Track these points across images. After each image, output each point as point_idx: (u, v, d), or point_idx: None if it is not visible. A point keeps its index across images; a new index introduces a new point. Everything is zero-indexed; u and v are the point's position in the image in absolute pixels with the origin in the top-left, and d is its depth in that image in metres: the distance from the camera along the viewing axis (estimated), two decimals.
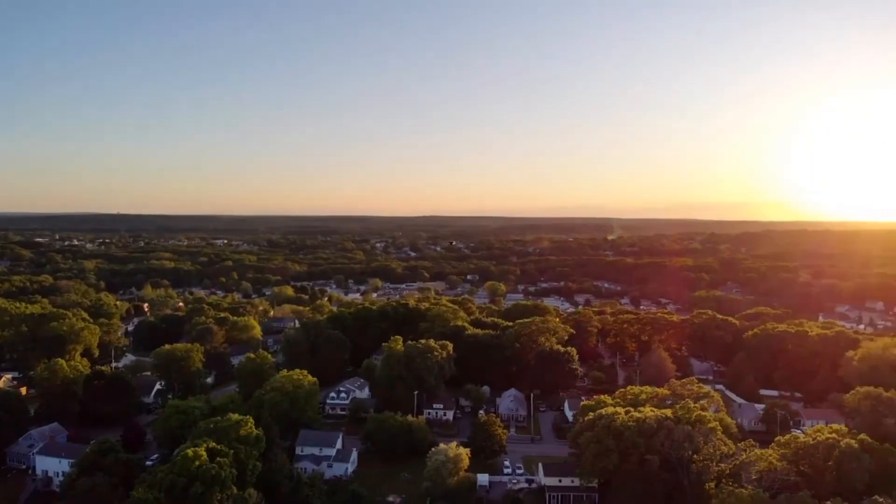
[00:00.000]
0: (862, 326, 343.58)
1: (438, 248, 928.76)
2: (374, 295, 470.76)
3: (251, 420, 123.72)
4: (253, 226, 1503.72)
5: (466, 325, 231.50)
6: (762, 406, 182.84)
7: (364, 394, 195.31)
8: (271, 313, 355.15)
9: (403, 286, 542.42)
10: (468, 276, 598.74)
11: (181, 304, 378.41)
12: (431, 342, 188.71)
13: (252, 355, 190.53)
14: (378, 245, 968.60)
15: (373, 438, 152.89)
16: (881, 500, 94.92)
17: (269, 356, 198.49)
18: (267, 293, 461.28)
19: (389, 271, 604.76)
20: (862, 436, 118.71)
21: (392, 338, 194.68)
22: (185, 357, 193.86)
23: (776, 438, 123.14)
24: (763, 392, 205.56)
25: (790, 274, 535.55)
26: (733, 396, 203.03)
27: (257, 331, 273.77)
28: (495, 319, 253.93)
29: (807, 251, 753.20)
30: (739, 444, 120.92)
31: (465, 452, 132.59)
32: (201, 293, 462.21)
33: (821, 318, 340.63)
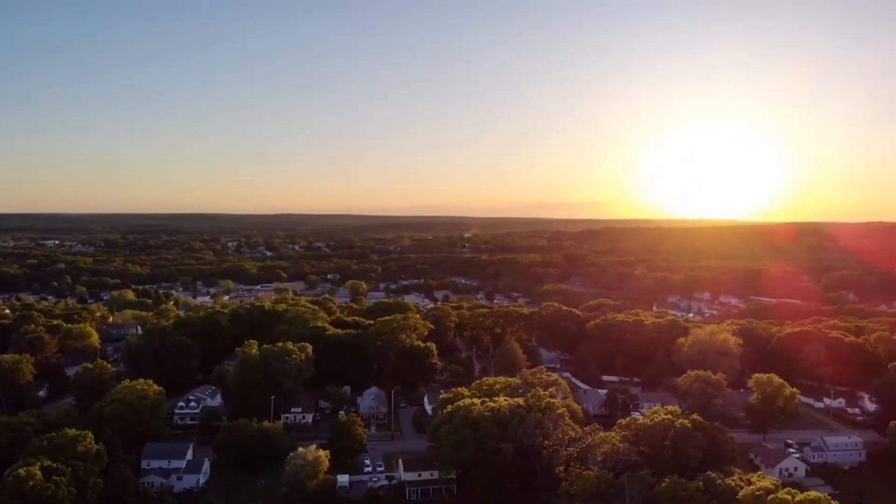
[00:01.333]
0: (691, 315, 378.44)
1: (297, 247, 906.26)
2: (226, 297, 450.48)
3: (90, 435, 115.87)
4: (88, 225, 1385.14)
5: (327, 325, 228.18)
6: (605, 391, 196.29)
7: (216, 402, 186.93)
8: (110, 319, 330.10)
9: (259, 287, 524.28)
10: (328, 276, 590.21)
11: (7, 311, 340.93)
12: (289, 345, 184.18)
13: (90, 365, 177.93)
14: (230, 244, 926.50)
15: (226, 447, 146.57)
16: (713, 474, 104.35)
17: (109, 365, 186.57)
18: (105, 298, 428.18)
19: (243, 272, 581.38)
20: (694, 416, 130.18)
21: (246, 342, 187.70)
22: (12, 369, 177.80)
23: (618, 421, 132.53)
24: (605, 378, 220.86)
25: (627, 268, 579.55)
26: (578, 383, 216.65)
27: (95, 339, 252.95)
28: (357, 318, 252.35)
29: (642, 246, 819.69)
30: (585, 429, 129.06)
31: (324, 454, 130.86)
32: (30, 299, 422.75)
33: (654, 308, 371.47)
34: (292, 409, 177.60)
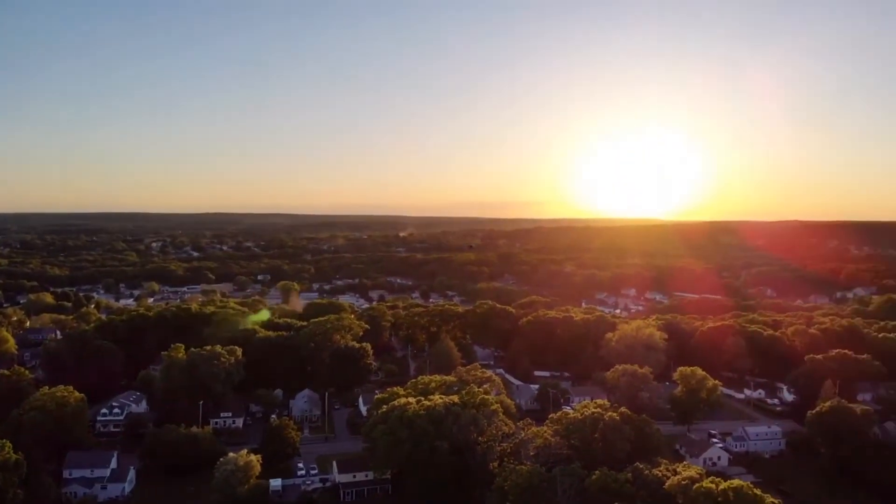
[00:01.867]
0: (618, 311, 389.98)
1: (225, 248, 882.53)
2: (151, 300, 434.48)
3: (8, 444, 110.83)
4: (3, 225, 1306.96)
5: (257, 327, 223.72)
6: (536, 386, 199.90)
7: (142, 408, 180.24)
8: (27, 324, 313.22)
9: (185, 289, 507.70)
10: (259, 276, 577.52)
11: None
12: (218, 348, 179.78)
13: (6, 372, 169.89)
14: (154, 245, 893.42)
15: (153, 454, 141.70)
16: (641, 465, 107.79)
17: (27, 372, 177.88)
18: (22, 301, 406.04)
19: (168, 273, 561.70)
20: (622, 409, 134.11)
21: (172, 346, 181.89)
22: None
23: (549, 416, 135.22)
24: (537, 373, 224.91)
25: (558, 266, 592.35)
26: (511, 379, 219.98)
27: (11, 344, 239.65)
28: (289, 320, 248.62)
29: (572, 245, 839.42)
30: (518, 424, 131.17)
31: (256, 459, 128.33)
32: None
33: (584, 305, 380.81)
34: (222, 414, 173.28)
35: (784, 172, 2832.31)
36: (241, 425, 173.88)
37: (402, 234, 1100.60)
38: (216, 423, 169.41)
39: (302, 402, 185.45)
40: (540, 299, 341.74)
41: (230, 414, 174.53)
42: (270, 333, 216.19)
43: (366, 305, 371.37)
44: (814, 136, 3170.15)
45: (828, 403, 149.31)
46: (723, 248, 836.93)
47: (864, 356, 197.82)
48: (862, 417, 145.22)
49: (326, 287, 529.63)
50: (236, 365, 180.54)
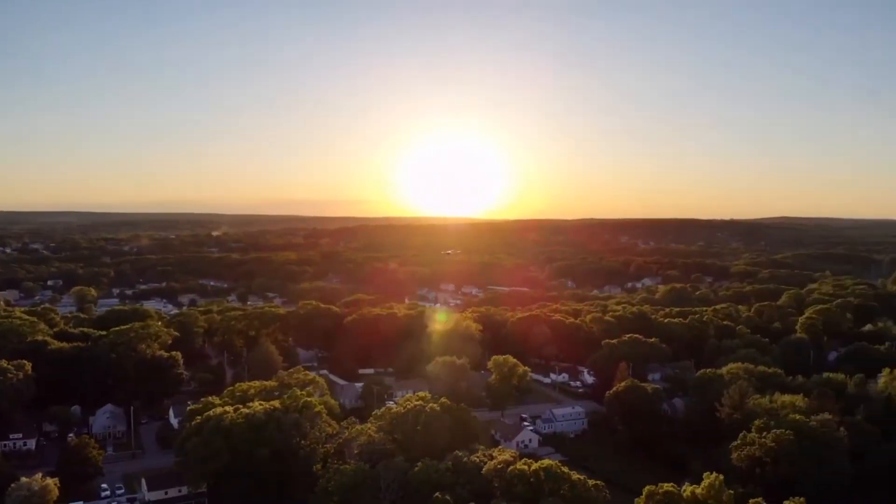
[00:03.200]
0: (438, 305, 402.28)
1: (8, 250, 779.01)
2: None
3: None
4: None
5: (49, 338, 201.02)
6: (361, 384, 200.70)
7: None
8: None
9: None
10: (49, 282, 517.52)
11: None
12: (3, 363, 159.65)
13: None
14: None
15: None
16: (460, 453, 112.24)
17: None
18: None
19: None
20: (443, 399, 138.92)
21: None
22: None
23: (373, 412, 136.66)
24: (361, 371, 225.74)
25: (381, 263, 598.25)
26: (336, 379, 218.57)
27: None
28: (85, 329, 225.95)
29: (395, 243, 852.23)
30: (342, 423, 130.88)
31: (52, 483, 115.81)
32: None
33: (407, 301, 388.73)
34: (11, 436, 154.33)
35: (581, 174, 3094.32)
36: (33, 447, 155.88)
37: (215, 234, 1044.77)
38: (5, 445, 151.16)
39: (104, 417, 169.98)
40: (365, 297, 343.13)
41: (20, 435, 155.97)
42: (65, 345, 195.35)
43: (175, 311, 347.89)
44: (603, 141, 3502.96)
45: (623, 384, 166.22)
46: (530, 244, 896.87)
47: (653, 340, 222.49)
48: (653, 395, 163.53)
49: (129, 292, 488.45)
50: (25, 381, 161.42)
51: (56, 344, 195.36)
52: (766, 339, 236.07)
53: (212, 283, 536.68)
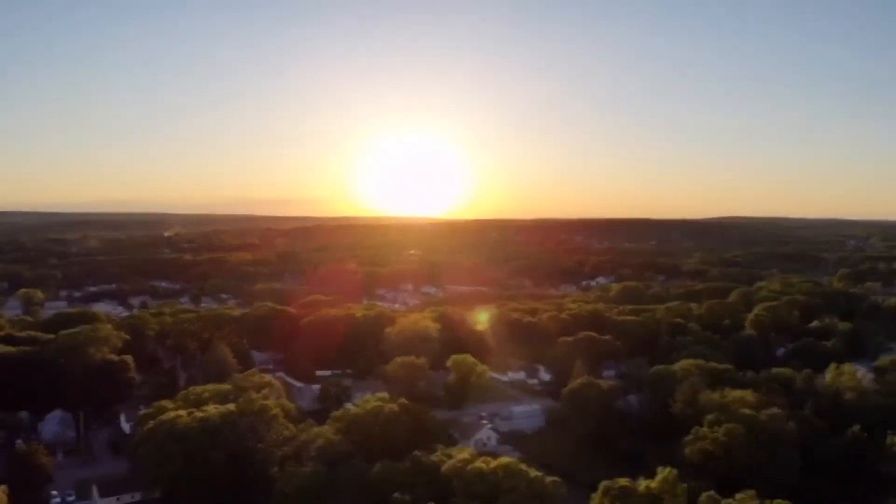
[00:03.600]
0: (397, 305, 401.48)
1: None
2: None
3: None
4: None
5: None
6: (318, 386, 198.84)
7: None
8: None
9: None
10: None
11: None
12: None
13: None
14: None
15: None
16: (419, 453, 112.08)
17: None
18: None
19: None
20: (401, 399, 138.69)
21: None
22: None
23: (332, 414, 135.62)
24: (319, 373, 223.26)
25: (339, 264, 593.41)
26: (293, 381, 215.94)
27: None
28: (32, 333, 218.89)
29: (353, 242, 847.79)
30: (300, 426, 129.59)
31: (1, 491, 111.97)
32: None
33: (365, 301, 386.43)
34: None
35: (538, 174, 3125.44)
36: None
37: (167, 234, 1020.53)
38: None
39: (53, 424, 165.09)
40: (322, 298, 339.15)
41: None
42: (11, 349, 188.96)
43: (126, 314, 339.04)
44: (559, 142, 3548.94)
45: (578, 381, 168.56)
46: (488, 243, 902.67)
47: (607, 337, 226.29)
48: (608, 392, 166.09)
49: (77, 294, 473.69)
50: None
51: (1, 348, 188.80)
52: (717, 336, 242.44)
53: (164, 285, 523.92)
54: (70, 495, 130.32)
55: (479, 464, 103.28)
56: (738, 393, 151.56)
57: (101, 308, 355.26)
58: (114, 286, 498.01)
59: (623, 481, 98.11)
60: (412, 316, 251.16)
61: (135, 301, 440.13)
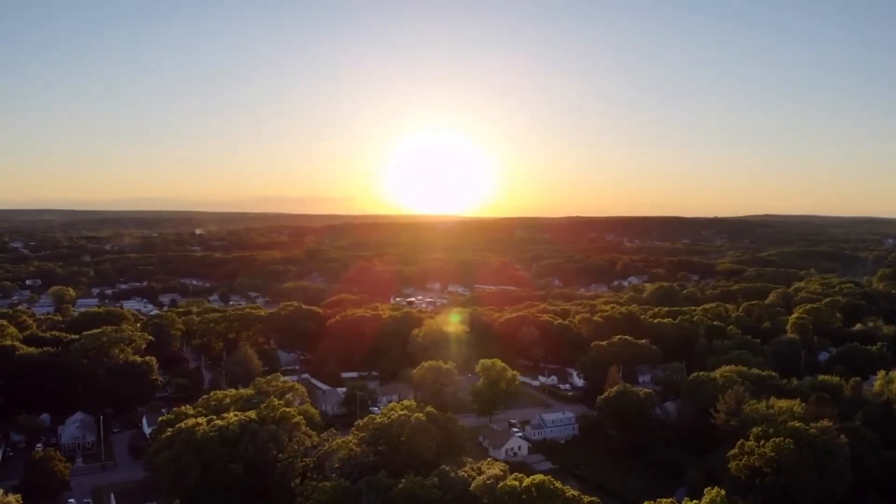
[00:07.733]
0: (424, 305, 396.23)
1: None
2: None
3: None
4: None
5: (18, 343, 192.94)
6: (344, 389, 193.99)
7: None
8: None
9: None
10: (28, 281, 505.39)
11: None
12: None
13: None
14: None
15: None
16: (447, 468, 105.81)
17: None
18: None
19: None
20: (428, 408, 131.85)
21: None
22: None
23: (356, 422, 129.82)
24: (344, 375, 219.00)
25: (367, 262, 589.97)
26: (318, 383, 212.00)
27: None
28: (57, 333, 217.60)
29: (381, 241, 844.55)
30: (323, 435, 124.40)
31: (15, 499, 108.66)
32: None
33: (392, 300, 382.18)
34: None
35: (567, 173, 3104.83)
36: None
37: (198, 232, 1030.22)
38: None
39: (73, 427, 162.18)
40: (349, 297, 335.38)
41: None
42: (33, 350, 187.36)
43: (155, 311, 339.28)
44: (589, 140, 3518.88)
45: (615, 388, 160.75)
46: (516, 242, 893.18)
47: (643, 341, 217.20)
48: (645, 400, 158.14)
49: (109, 292, 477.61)
50: None
51: (24, 349, 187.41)
52: (757, 340, 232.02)
53: (194, 283, 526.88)
54: (87, 503, 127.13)
55: (511, 481, 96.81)
56: (784, 403, 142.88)
57: (131, 306, 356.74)
58: (144, 284, 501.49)
59: (666, 502, 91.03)
60: (439, 317, 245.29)
61: (165, 299, 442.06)
